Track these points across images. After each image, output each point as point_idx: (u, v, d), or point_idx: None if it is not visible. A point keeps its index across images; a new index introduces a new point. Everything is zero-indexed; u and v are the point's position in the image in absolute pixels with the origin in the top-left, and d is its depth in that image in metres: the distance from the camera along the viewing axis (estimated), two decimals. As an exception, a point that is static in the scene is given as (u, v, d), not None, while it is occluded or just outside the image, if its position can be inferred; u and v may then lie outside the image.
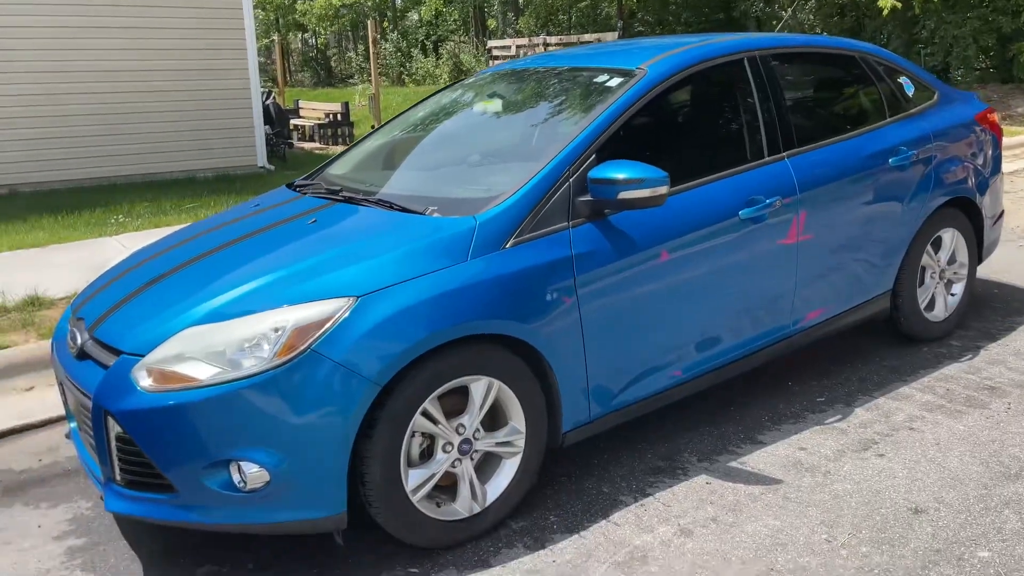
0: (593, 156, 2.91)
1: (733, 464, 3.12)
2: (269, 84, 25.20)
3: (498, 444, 2.73)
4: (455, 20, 34.69)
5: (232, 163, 11.14)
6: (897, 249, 3.88)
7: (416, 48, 33.76)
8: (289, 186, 3.54)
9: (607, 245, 2.86)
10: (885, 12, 11.73)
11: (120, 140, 10.25)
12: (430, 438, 2.60)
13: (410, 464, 2.55)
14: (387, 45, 32.72)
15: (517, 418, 2.74)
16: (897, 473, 2.99)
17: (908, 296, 4.01)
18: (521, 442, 2.76)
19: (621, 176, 2.76)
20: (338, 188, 3.25)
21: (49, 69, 9.66)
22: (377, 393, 2.39)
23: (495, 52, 22.53)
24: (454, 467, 2.63)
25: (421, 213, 2.82)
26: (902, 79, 4.04)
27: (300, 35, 41.73)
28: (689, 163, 3.24)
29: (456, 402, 2.64)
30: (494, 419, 2.76)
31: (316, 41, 41.43)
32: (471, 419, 2.64)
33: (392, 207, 2.93)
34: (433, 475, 2.58)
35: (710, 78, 3.45)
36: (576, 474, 3.10)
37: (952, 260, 4.25)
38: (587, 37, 20.99)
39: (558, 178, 2.83)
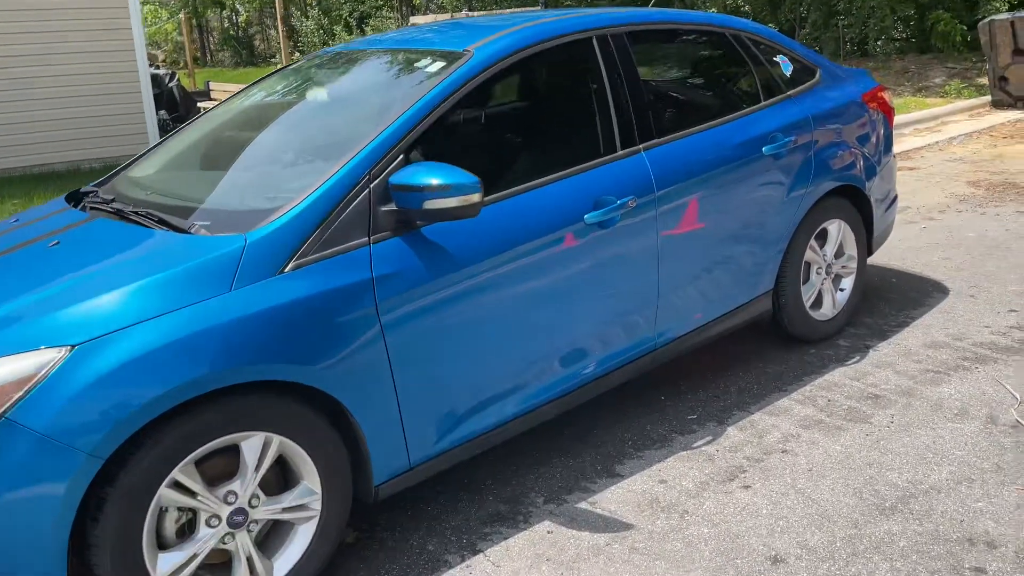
0: (401, 157, 2.46)
1: (582, 505, 2.73)
2: (177, 65, 24.00)
3: (287, 510, 2.28)
4: (380, -5, 33.65)
5: (122, 152, 10.32)
6: (776, 246, 3.53)
7: (339, 25, 32.68)
8: (70, 195, 3.00)
9: (419, 263, 2.41)
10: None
11: (-8, 131, 9.43)
12: (192, 511, 2.14)
13: (163, 545, 2.09)
14: (308, 22, 31.59)
15: (310, 477, 2.30)
16: (761, 510, 2.64)
17: (791, 295, 3.67)
18: (317, 504, 2.32)
19: (427, 182, 2.32)
20: (111, 198, 2.74)
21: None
22: (100, 467, 1.92)
23: (417, 28, 21.78)
24: (226, 543, 2.18)
25: (186, 231, 2.34)
26: (779, 58, 3.67)
27: (220, 12, 40.10)
28: (524, 162, 2.83)
29: (228, 463, 2.18)
30: (287, 478, 2.31)
31: (237, 19, 39.84)
32: (244, 485, 2.18)
33: (162, 223, 2.44)
34: (194, 556, 2.12)
35: (552, 60, 3.02)
36: (402, 527, 2.68)
37: (840, 253, 3.93)
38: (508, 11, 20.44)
39: (354, 184, 2.37)
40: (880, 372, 3.55)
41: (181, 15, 25.22)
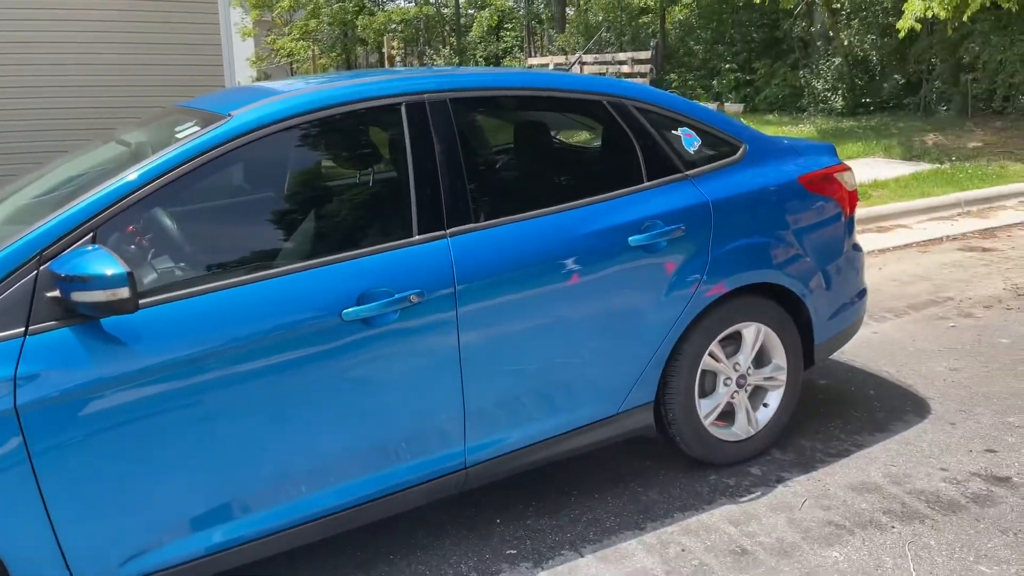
0: (89, 236, 2.16)
1: (297, 659, 2.29)
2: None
3: None
4: (513, 37, 34.19)
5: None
6: (652, 352, 2.95)
7: (472, 65, 33.36)
8: None
9: (90, 361, 2.08)
10: (902, 34, 10.43)
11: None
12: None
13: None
14: (439, 61, 32.43)
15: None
16: None
17: (681, 409, 3.07)
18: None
19: (69, 272, 2.01)
20: None
21: None
22: None
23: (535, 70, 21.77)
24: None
25: None
26: (681, 131, 3.11)
27: (366, 48, 41.94)
28: (275, 246, 2.45)
29: None
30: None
31: (382, 57, 41.47)
32: None
33: None
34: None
35: (341, 129, 2.63)
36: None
37: (764, 362, 3.27)
38: (622, 56, 20.08)
39: (17, 267, 2.09)
40: (771, 518, 2.88)
41: (312, 51, 26.42)
